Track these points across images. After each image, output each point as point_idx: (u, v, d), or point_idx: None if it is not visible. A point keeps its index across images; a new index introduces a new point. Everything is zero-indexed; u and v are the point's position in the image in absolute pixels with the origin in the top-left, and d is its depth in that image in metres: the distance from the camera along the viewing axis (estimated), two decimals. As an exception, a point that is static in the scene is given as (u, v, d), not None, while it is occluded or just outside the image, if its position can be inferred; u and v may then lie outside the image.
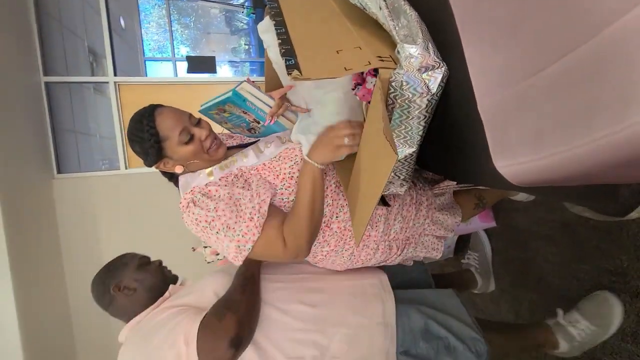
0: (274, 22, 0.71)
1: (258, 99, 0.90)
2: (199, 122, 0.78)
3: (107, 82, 2.96)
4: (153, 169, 0.80)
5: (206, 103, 0.90)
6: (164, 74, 5.33)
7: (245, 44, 6.60)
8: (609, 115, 0.34)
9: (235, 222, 0.70)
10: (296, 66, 0.57)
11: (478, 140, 0.54)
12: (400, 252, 0.89)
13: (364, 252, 0.85)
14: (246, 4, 5.34)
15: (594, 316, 0.95)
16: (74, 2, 3.28)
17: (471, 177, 0.67)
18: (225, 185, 0.74)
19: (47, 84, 2.83)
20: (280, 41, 0.64)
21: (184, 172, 0.80)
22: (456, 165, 0.66)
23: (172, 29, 5.20)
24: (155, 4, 6.06)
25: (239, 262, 0.72)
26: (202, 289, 0.83)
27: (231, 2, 5.92)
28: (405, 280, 1.09)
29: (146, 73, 4.87)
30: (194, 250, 2.89)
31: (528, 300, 1.24)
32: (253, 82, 0.93)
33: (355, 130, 0.68)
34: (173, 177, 0.83)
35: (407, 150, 0.66)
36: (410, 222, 0.87)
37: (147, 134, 0.71)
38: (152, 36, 6.40)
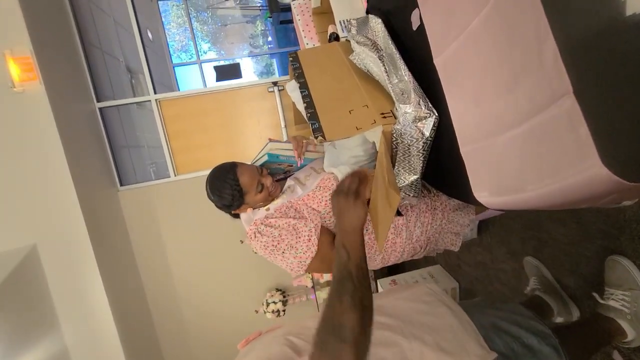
0: (299, 84, 0.89)
1: (285, 149, 1.08)
2: (262, 172, 0.98)
3: (149, 101, 3.29)
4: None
5: (254, 160, 1.08)
6: (193, 79, 5.65)
7: (261, 28, 6.79)
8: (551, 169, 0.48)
9: (297, 242, 0.91)
10: (320, 130, 0.76)
11: (463, 173, 0.71)
12: (423, 250, 1.08)
13: (392, 255, 1.05)
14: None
15: (618, 281, 0.98)
16: (107, 25, 3.60)
17: (464, 198, 0.83)
18: (281, 217, 0.94)
19: (100, 109, 3.21)
20: (305, 104, 0.83)
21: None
22: (452, 188, 0.83)
23: (192, 26, 5.40)
24: (174, 4, 6.35)
25: (300, 272, 0.90)
26: None
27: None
28: None
29: (177, 82, 5.21)
30: (242, 242, 3.28)
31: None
32: (275, 139, 1.08)
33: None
34: (237, 215, 1.04)
35: (411, 177, 0.83)
36: (428, 226, 1.04)
37: (232, 190, 0.93)
38: (174, 36, 6.73)
